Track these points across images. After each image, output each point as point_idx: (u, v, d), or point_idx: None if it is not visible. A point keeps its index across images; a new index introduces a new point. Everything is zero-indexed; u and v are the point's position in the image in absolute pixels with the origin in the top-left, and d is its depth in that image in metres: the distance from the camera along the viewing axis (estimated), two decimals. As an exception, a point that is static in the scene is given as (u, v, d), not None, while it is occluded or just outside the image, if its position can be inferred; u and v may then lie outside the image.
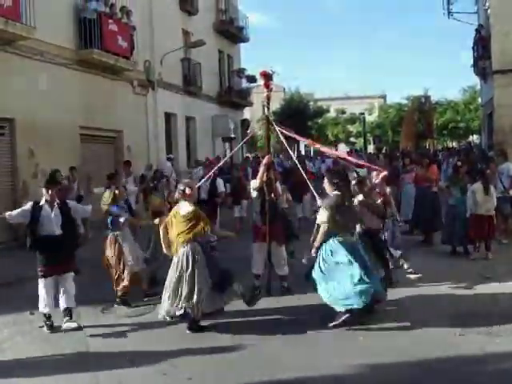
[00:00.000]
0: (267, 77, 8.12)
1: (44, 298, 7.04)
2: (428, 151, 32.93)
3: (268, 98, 8.26)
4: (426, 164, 12.79)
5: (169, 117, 22.32)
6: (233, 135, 26.50)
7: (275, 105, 54.88)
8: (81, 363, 5.89)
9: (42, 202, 7.10)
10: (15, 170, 13.55)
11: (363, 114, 49.74)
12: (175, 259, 6.70)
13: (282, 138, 8.56)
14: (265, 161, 8.15)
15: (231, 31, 28.51)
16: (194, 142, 24.81)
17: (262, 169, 8.16)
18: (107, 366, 5.75)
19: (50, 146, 14.13)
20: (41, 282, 7.10)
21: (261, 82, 8.19)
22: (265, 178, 8.08)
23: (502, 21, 19.52)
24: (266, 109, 8.40)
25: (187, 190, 6.87)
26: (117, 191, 8.19)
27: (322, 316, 6.73)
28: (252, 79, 28.75)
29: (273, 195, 8.20)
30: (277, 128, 8.46)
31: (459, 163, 11.76)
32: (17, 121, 13.49)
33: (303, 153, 46.30)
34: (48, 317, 7.07)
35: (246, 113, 33.37)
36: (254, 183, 8.25)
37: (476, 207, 10.24)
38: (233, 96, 28.34)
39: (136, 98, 19.32)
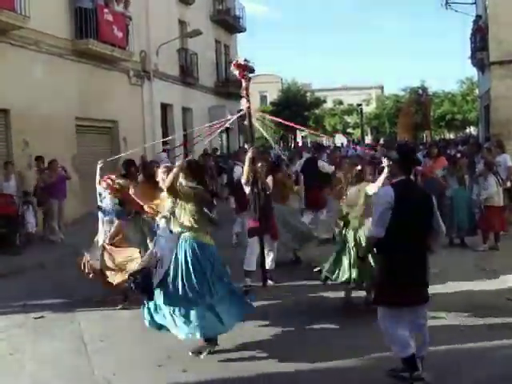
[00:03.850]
0: (241, 67, 7.88)
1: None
2: (436, 142, 32.61)
3: (246, 90, 8.07)
4: (434, 155, 12.51)
5: (165, 107, 22.23)
6: (230, 126, 26.42)
7: (273, 95, 54.92)
8: (75, 353, 5.88)
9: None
10: (11, 161, 13.42)
11: (361, 105, 49.69)
12: None
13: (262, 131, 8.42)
14: (249, 154, 7.98)
15: (228, 21, 28.37)
16: (190, 132, 24.67)
17: (246, 162, 8.01)
18: (102, 357, 5.74)
19: (45, 136, 14.03)
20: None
21: (236, 73, 7.97)
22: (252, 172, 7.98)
23: (499, 12, 19.44)
24: (245, 101, 8.19)
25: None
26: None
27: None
28: (249, 69, 28.58)
29: (261, 187, 8.08)
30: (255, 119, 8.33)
31: (458, 154, 11.70)
32: (12, 112, 13.39)
33: (301, 143, 46.35)
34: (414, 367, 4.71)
35: (243, 103, 33.23)
36: (242, 178, 8.11)
37: (498, 198, 10.26)
38: (230, 86, 28.22)
39: (132, 89, 19.22)
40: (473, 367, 5.12)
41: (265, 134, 8.87)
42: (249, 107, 8.00)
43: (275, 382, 5.10)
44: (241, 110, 10.77)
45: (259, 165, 8.14)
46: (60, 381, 5.29)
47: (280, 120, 10.67)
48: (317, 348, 5.72)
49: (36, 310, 7.38)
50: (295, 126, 9.13)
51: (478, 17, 22.86)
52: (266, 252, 8.07)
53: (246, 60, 7.79)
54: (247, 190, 8.05)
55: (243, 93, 8.09)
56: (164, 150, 19.58)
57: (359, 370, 5.18)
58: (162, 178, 6.82)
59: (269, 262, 8.22)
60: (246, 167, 7.93)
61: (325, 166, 11.40)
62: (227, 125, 9.35)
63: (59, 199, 12.83)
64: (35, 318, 7.08)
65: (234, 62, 7.94)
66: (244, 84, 7.98)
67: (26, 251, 11.41)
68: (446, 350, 5.49)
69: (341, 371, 5.20)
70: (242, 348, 5.74)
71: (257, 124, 8.37)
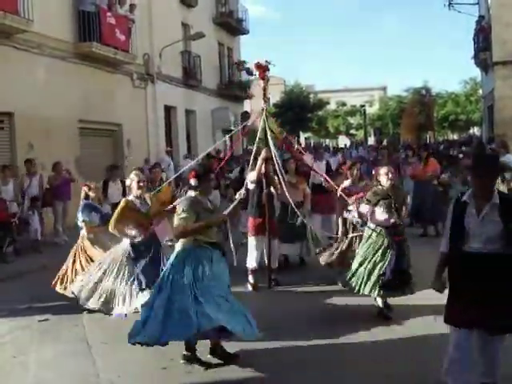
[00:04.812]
0: (262, 68, 7.96)
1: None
2: (430, 144, 32.62)
3: (264, 90, 8.13)
4: (424, 157, 12.55)
5: (169, 110, 22.26)
6: (233, 128, 26.45)
7: (275, 97, 54.92)
8: (80, 356, 5.89)
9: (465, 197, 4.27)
10: (15, 164, 13.45)
11: (364, 106, 49.64)
12: None
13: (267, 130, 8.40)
14: (263, 155, 8.05)
15: (231, 23, 28.40)
16: (194, 134, 24.76)
17: (259, 162, 8.08)
18: (106, 359, 5.75)
19: (49, 139, 14.09)
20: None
21: (256, 73, 8.07)
22: (263, 171, 8.05)
23: (502, 12, 19.44)
24: (263, 101, 8.27)
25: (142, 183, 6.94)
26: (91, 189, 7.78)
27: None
28: (252, 72, 28.62)
29: (272, 188, 8.15)
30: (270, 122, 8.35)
31: (461, 155, 11.70)
32: (16, 115, 13.44)
33: (303, 145, 46.33)
34: None
35: (247, 105, 33.27)
36: (252, 176, 8.17)
37: None
38: (233, 89, 28.25)
39: (135, 91, 19.26)
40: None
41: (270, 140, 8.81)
42: (265, 108, 8.11)
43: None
44: (245, 112, 10.81)
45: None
46: (64, 383, 5.30)
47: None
48: (317, 350, 5.73)
49: (40, 312, 7.39)
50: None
51: (481, 17, 22.84)
52: (265, 252, 8.12)
53: (267, 61, 7.87)
54: (251, 186, 8.10)
55: (261, 93, 8.17)
56: (167, 153, 19.66)
57: None
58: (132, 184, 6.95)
59: (275, 261, 8.26)
60: (257, 166, 8.02)
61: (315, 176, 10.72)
62: (232, 127, 9.44)
63: (64, 201, 12.85)
64: (40, 321, 7.09)
65: (255, 63, 8.03)
66: (262, 84, 8.07)
67: (23, 257, 11.26)
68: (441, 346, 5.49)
69: None
70: (245, 351, 5.73)
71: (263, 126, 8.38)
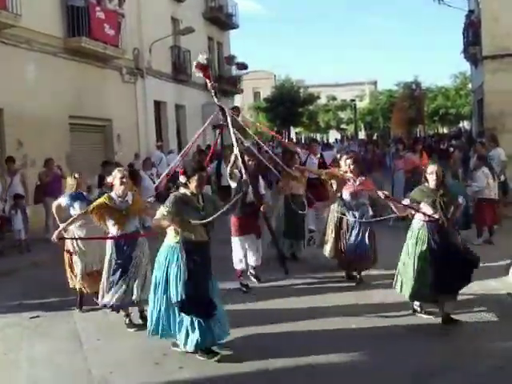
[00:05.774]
0: (203, 68, 7.83)
1: None
2: (420, 137, 32.73)
3: (214, 89, 8.05)
4: (418, 150, 12.54)
5: (158, 105, 22.19)
6: (223, 122, 26.33)
7: (266, 92, 54.93)
8: (72, 352, 5.87)
9: None
10: (3, 161, 13.35)
11: (354, 100, 49.65)
12: None
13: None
14: (235, 152, 8.03)
15: (220, 18, 28.32)
16: (184, 129, 24.67)
17: (232, 158, 8.03)
18: (98, 355, 5.74)
19: (39, 135, 13.98)
20: None
21: (199, 75, 7.99)
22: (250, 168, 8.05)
23: (491, 6, 19.45)
24: (215, 99, 8.22)
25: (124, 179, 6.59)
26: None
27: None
28: (242, 66, 28.58)
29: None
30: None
31: (451, 149, 11.73)
32: (5, 111, 13.34)
33: (295, 140, 46.35)
34: None
35: (237, 100, 33.21)
36: (228, 172, 8.09)
37: (488, 191, 10.21)
38: (223, 83, 28.16)
39: (125, 87, 19.17)
40: (473, 361, 5.15)
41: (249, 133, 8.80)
42: (221, 108, 8.08)
43: (271, 378, 5.11)
44: (234, 107, 10.79)
45: (249, 162, 8.16)
46: (56, 380, 5.28)
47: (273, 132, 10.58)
48: (310, 347, 5.74)
49: (31, 309, 7.36)
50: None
51: (471, 11, 22.88)
52: (249, 251, 8.03)
53: (207, 59, 7.76)
54: (233, 185, 8.04)
55: (212, 92, 8.13)
56: (158, 147, 19.59)
57: None
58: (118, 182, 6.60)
59: (254, 260, 8.13)
60: (230, 163, 8.02)
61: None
62: (220, 122, 9.37)
63: (55, 198, 12.72)
64: (31, 318, 7.07)
65: (195, 64, 7.89)
66: (209, 85, 7.98)
67: (8, 257, 11.13)
68: (448, 345, 5.52)
69: None
70: (237, 346, 5.73)
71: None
